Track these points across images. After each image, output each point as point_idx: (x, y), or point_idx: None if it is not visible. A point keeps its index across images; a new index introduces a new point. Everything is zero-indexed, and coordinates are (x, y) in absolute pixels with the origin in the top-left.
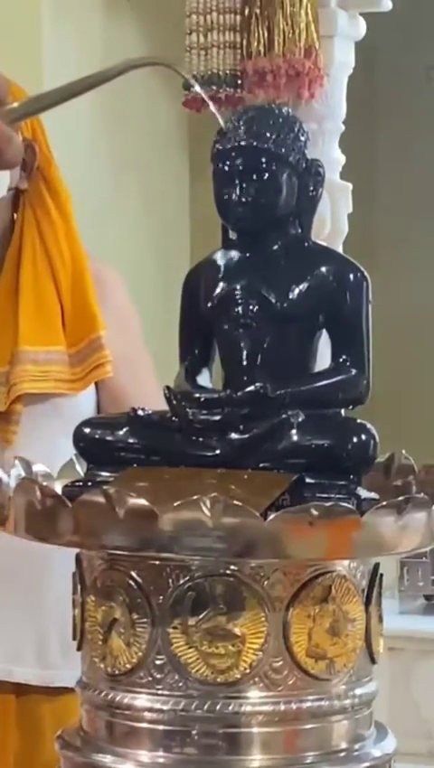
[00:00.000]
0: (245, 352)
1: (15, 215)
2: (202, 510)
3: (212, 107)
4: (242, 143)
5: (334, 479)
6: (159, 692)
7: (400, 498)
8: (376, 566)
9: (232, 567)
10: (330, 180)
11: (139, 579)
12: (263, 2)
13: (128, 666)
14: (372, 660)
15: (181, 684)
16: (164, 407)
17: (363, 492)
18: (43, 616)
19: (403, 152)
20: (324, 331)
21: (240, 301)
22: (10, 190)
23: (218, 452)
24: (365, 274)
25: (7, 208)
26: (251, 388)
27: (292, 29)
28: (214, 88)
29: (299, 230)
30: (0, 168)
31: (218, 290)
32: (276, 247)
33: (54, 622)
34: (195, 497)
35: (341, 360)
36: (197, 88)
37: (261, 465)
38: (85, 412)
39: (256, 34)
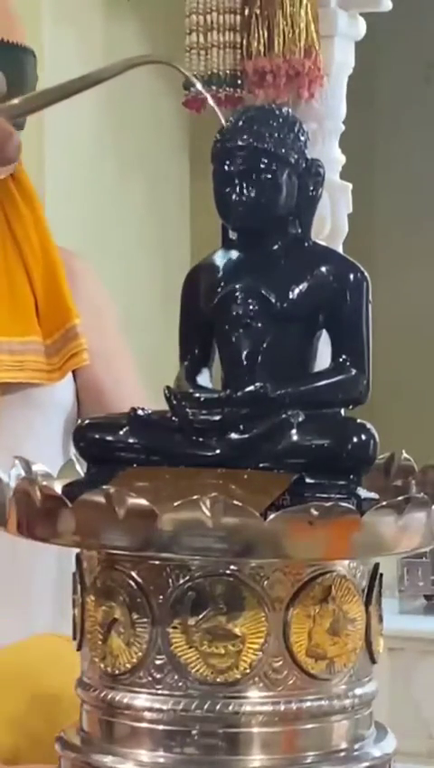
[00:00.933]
0: (245, 352)
1: None
2: (202, 510)
3: (212, 104)
4: (242, 143)
5: (334, 479)
6: (159, 692)
7: (400, 498)
8: (376, 566)
9: (232, 567)
10: (330, 180)
11: (139, 579)
12: (263, 2)
13: (128, 666)
14: (372, 660)
15: (181, 684)
16: (140, 395)
17: (363, 492)
18: (32, 610)
19: (403, 152)
20: (324, 331)
21: (239, 301)
22: None
23: (218, 452)
24: (365, 274)
25: None
26: (251, 388)
27: (292, 29)
28: (214, 88)
29: (299, 230)
30: (0, 164)
31: (218, 290)
32: (276, 247)
33: (43, 616)
34: (195, 497)
35: (341, 360)
36: (198, 86)
37: (261, 465)
38: (63, 403)
39: (256, 34)
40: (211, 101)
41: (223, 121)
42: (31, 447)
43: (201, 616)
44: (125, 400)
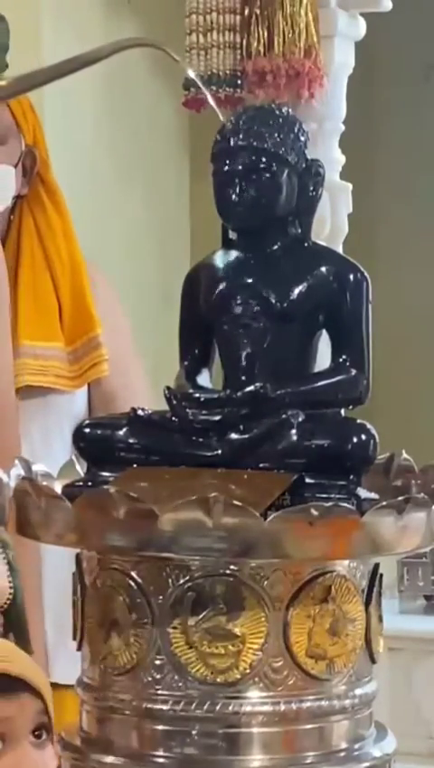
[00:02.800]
0: (245, 352)
1: (12, 217)
2: (202, 510)
3: (207, 96)
4: (242, 143)
5: (334, 479)
6: (159, 692)
7: (400, 498)
8: (376, 566)
9: (232, 567)
10: (330, 180)
11: (139, 579)
12: (263, 2)
13: (128, 666)
14: (372, 660)
15: (181, 684)
16: (153, 407)
17: (363, 492)
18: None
19: (403, 152)
20: (324, 331)
21: (240, 301)
22: (13, 198)
23: (218, 452)
24: (365, 274)
25: (5, 212)
26: (251, 388)
27: (292, 29)
28: (214, 88)
29: (299, 230)
30: None
31: (217, 290)
32: (276, 247)
33: (48, 616)
34: (195, 497)
35: (341, 360)
36: (190, 73)
37: (261, 465)
38: (78, 411)
39: (256, 34)
40: (202, 86)
41: (219, 111)
42: (44, 454)
43: (201, 616)
44: (135, 403)
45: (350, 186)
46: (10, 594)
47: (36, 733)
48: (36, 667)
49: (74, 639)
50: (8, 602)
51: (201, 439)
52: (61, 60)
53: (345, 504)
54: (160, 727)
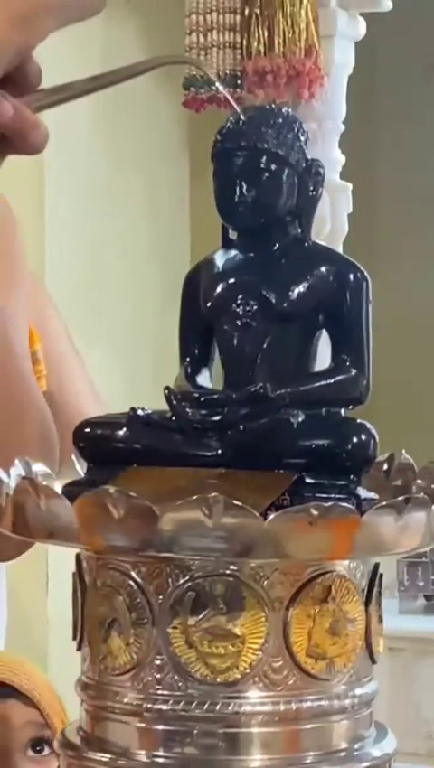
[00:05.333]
0: (245, 352)
1: None
2: (202, 510)
3: (235, 106)
4: (242, 143)
5: (334, 479)
6: (159, 692)
7: (400, 498)
8: (376, 566)
9: (232, 567)
10: (330, 180)
11: (139, 579)
12: (263, 2)
13: (128, 666)
14: (372, 660)
15: (181, 684)
16: (97, 404)
17: (363, 492)
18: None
19: (403, 152)
20: (324, 331)
21: (239, 300)
22: None
23: (218, 452)
24: (365, 274)
25: None
26: (251, 388)
27: (292, 29)
28: (214, 88)
29: (299, 230)
30: (26, 153)
31: (218, 290)
32: (276, 247)
33: None
34: (195, 497)
35: (341, 359)
36: (220, 87)
37: (261, 465)
38: None
39: (256, 34)
40: (234, 104)
41: (238, 109)
42: None
43: (201, 616)
44: (67, 405)
45: (350, 186)
46: None
47: (37, 747)
48: (39, 677)
49: (74, 639)
50: None
51: (201, 439)
52: (102, 72)
53: (345, 504)
54: (160, 727)
